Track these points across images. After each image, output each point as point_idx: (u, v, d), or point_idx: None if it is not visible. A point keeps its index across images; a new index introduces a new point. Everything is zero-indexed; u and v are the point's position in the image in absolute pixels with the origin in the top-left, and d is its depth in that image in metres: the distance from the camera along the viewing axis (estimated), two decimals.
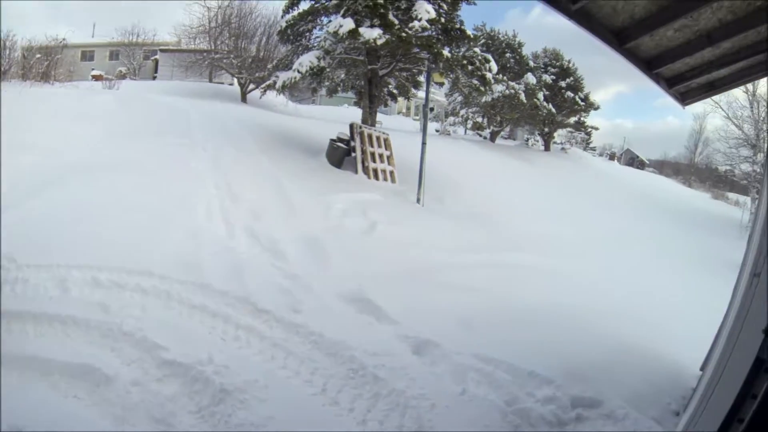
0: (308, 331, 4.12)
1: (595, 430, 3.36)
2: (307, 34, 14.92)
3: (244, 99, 22.21)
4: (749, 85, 19.89)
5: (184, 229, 6.16)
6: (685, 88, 4.90)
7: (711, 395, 2.08)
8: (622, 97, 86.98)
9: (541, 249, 8.84)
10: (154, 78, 29.56)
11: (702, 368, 4.84)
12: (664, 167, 45.21)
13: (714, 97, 20.39)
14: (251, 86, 22.12)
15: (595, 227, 13.00)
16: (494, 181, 14.69)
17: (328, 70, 13.07)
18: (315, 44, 14.23)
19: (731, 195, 31.24)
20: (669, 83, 4.68)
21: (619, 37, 4.00)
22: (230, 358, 3.61)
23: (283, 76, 12.98)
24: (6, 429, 2.69)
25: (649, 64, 4.44)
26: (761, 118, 20.88)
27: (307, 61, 12.45)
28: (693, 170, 41.17)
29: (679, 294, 8.74)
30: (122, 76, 25.51)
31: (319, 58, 12.47)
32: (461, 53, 13.15)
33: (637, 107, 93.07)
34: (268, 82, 15.50)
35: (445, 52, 12.27)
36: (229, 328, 4.11)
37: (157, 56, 31.05)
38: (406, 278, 5.91)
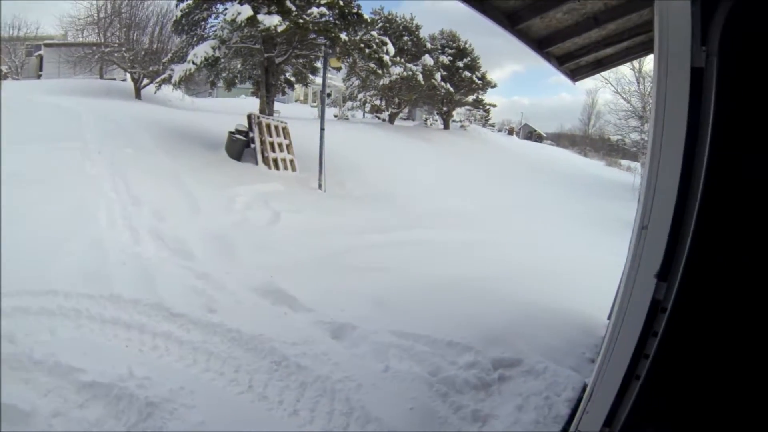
0: (226, 329, 4.03)
1: (518, 387, 3.57)
2: (203, 23, 14.40)
3: (138, 95, 20.95)
4: (635, 63, 22.12)
5: (86, 239, 5.76)
6: (575, 66, 5.22)
7: (617, 337, 2.28)
8: (517, 76, 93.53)
9: (447, 224, 9.26)
10: (39, 76, 27.13)
11: (609, 317, 5.26)
12: (560, 139, 48.14)
13: (603, 74, 22.57)
14: (145, 81, 20.89)
15: (499, 199, 13.64)
16: (395, 161, 15.00)
17: (223, 60, 12.68)
18: (211, 34, 13.76)
19: (623, 162, 34.07)
20: (560, 61, 4.97)
21: (511, 18, 4.17)
22: (151, 369, 3.43)
23: (179, 69, 12.44)
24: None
25: (540, 44, 4.68)
26: (647, 92, 22.89)
27: (202, 51, 12.02)
28: (588, 141, 44.46)
29: (583, 254, 9.41)
30: (3, 76, 23.24)
31: (214, 48, 12.08)
32: (358, 37, 13.18)
33: (532, 85, 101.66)
34: (163, 76, 14.71)
35: (343, 36, 12.26)
36: (146, 338, 3.92)
37: (41, 52, 28.34)
38: (315, 265, 5.95)
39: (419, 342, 4.07)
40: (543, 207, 14.24)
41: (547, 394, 3.46)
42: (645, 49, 4.90)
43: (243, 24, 11.28)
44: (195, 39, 14.32)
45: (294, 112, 22.72)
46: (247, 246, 6.25)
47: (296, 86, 20.04)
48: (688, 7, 1.98)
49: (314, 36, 12.90)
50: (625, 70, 23.54)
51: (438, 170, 15.80)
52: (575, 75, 5.50)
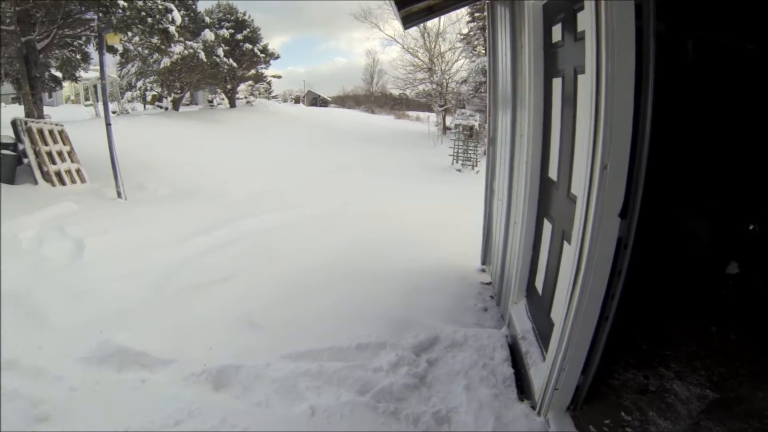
0: None
1: (452, 366, 3.27)
2: None
3: None
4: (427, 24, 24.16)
5: None
6: (407, 12, 5.02)
7: (589, 283, 2.22)
8: (287, 47, 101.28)
9: (275, 206, 8.52)
10: None
11: (483, 262, 5.44)
12: (345, 101, 49.84)
13: (390, 33, 25.52)
14: None
15: (312, 168, 13.32)
16: (191, 150, 13.61)
17: None
18: None
19: (411, 113, 37.85)
20: (398, 6, 4.73)
21: None
22: None
23: None
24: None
25: None
26: (431, 47, 26.26)
27: None
28: (372, 99, 46.45)
29: (425, 203, 9.71)
30: None
31: None
32: (138, 5, 11.29)
33: (304, 54, 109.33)
34: None
35: (121, 2, 10.23)
36: None
37: None
38: (149, 296, 4.62)
39: (325, 358, 3.36)
40: (358, 166, 14.30)
41: (483, 361, 3.24)
42: None
43: None
44: None
45: (66, 115, 18.33)
46: (55, 297, 4.46)
47: (65, 84, 16.74)
48: None
49: (83, 8, 10.49)
50: (412, 30, 24.92)
51: (238, 150, 14.77)
52: (406, 22, 5.36)
